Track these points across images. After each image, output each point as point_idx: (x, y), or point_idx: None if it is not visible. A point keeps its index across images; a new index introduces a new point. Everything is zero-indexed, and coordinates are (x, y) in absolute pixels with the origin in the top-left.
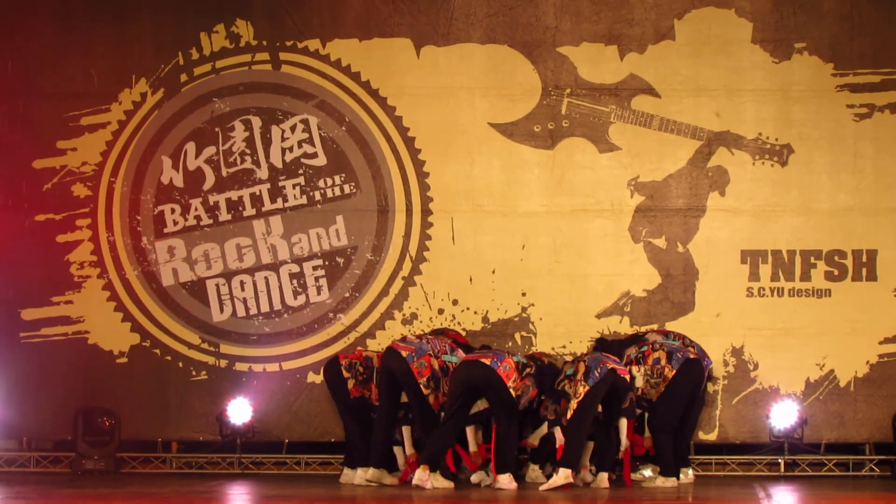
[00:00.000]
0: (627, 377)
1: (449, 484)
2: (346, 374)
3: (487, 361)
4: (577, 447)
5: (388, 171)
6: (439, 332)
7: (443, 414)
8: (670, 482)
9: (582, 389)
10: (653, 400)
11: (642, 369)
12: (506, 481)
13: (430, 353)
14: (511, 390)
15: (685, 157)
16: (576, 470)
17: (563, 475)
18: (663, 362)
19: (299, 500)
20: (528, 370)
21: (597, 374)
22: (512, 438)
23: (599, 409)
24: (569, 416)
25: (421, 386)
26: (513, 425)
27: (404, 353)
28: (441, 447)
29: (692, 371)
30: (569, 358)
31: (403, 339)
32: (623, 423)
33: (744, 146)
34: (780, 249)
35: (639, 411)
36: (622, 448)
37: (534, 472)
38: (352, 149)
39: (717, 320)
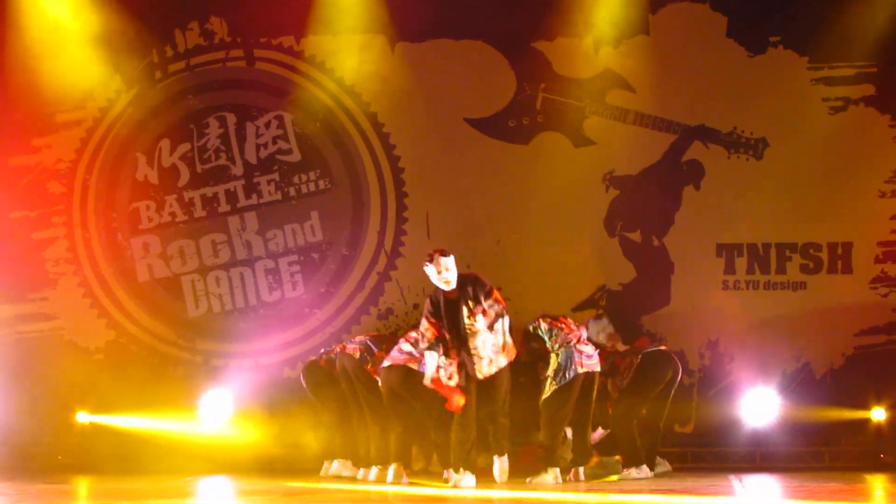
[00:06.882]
0: (598, 369)
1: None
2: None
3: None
4: (554, 445)
5: (362, 166)
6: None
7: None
8: (643, 472)
9: (550, 388)
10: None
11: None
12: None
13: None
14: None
15: (660, 151)
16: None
17: (551, 474)
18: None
19: (276, 494)
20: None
21: (567, 376)
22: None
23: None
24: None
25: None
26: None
27: (356, 355)
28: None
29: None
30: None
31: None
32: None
33: (719, 140)
34: (756, 242)
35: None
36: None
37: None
38: (326, 144)
39: (693, 313)
